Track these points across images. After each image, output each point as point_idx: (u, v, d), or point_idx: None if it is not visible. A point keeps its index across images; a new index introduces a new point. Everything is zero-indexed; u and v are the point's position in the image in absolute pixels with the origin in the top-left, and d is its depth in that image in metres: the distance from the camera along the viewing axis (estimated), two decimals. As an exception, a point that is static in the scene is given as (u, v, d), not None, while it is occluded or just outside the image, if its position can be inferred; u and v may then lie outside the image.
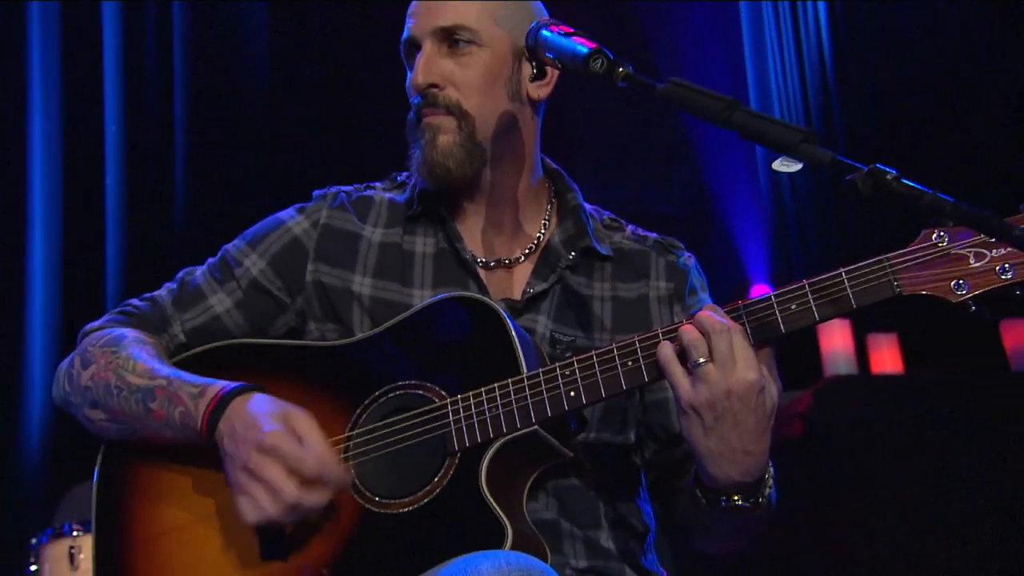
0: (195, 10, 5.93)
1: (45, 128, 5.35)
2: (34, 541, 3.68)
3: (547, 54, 1.81)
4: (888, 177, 1.33)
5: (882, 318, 3.64)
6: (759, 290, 4.66)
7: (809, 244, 5.33)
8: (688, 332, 1.60)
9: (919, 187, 1.33)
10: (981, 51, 5.19)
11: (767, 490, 1.70)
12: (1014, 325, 3.42)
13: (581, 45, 1.74)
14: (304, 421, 1.69)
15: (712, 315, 1.60)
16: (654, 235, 2.15)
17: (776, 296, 1.66)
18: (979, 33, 5.26)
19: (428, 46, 1.96)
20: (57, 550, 3.54)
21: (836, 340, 3.60)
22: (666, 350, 1.63)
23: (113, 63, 5.55)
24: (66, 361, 1.98)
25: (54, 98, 5.40)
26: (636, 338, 1.74)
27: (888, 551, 3.18)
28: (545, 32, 1.80)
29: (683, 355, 1.61)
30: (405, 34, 2.03)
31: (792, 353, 3.40)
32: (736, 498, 1.68)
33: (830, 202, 5.12)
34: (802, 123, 4.95)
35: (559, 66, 1.84)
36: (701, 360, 1.57)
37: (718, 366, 1.57)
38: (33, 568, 3.62)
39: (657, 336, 1.69)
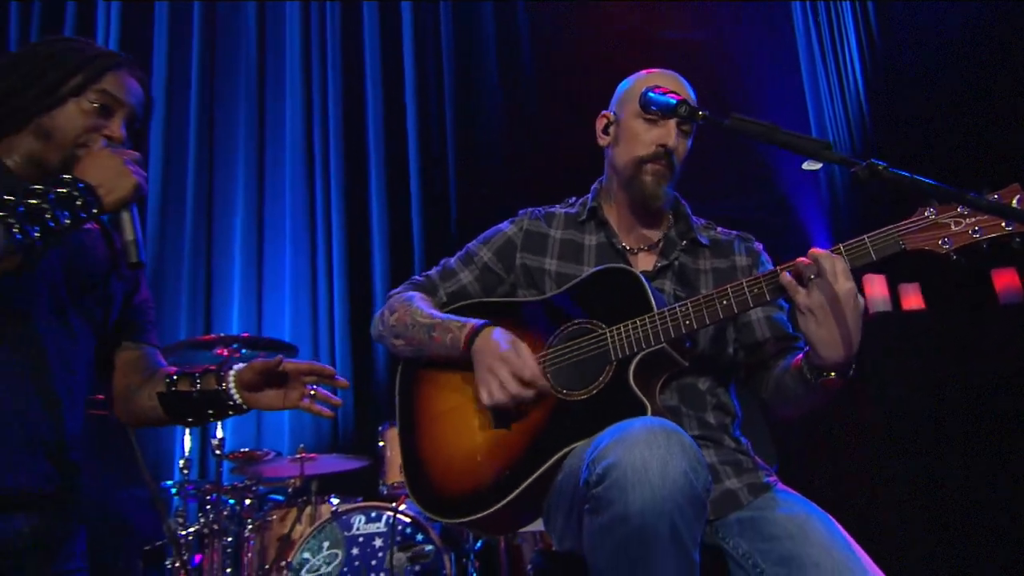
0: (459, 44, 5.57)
1: (377, 163, 5.40)
2: (380, 428, 3.82)
3: (652, 107, 1.74)
4: (880, 167, 1.24)
5: (909, 272, 3.45)
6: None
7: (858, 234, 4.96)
8: (803, 261, 1.58)
9: (903, 173, 1.25)
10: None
11: (850, 372, 1.63)
12: (1002, 272, 3.18)
13: (671, 98, 1.69)
14: (524, 347, 1.74)
15: (820, 249, 1.58)
16: (735, 232, 2.08)
17: (823, 254, 1.58)
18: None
19: (676, 125, 1.90)
20: (392, 433, 3.64)
21: (876, 289, 3.42)
22: (786, 277, 1.60)
23: (413, 122, 5.48)
24: (378, 312, 2.06)
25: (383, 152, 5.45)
26: (729, 288, 1.69)
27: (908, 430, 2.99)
28: (650, 93, 1.75)
29: (799, 277, 1.58)
30: (669, 104, 1.85)
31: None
32: (832, 375, 1.61)
33: (868, 203, 4.72)
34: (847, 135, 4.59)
35: (659, 114, 1.77)
36: (812, 276, 1.55)
37: (827, 279, 1.52)
38: (380, 444, 3.77)
39: (763, 281, 1.67)
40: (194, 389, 1.64)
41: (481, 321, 1.82)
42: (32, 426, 1.38)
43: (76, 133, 1.49)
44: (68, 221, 1.32)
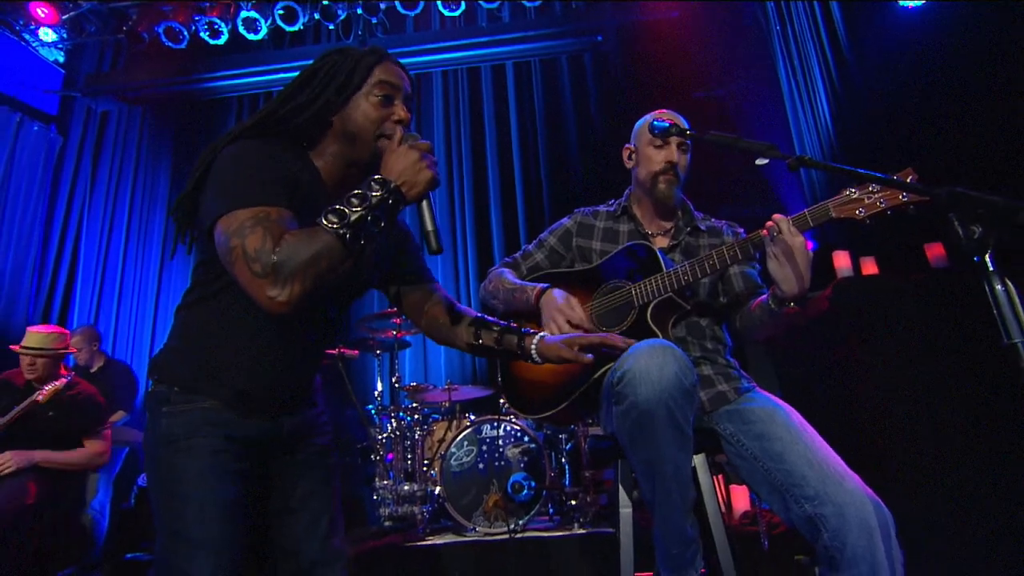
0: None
1: (495, 195, 5.35)
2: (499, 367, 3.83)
3: (655, 131, 1.70)
4: (805, 159, 1.19)
5: (867, 248, 3.24)
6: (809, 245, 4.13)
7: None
8: (769, 224, 1.55)
9: (822, 161, 1.20)
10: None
11: (805, 304, 1.58)
12: (931, 245, 2.96)
13: (664, 122, 1.64)
14: (574, 300, 1.71)
15: (780, 215, 1.54)
16: (724, 221, 2.00)
17: (781, 218, 1.54)
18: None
19: (676, 145, 1.86)
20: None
21: (843, 261, 3.22)
22: (759, 235, 1.59)
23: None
24: (484, 282, 2.05)
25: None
26: (713, 251, 1.66)
27: (871, 370, 2.79)
28: (654, 122, 1.71)
29: (769, 233, 1.55)
30: (665, 127, 1.77)
31: (822, 270, 3.04)
32: (792, 304, 1.57)
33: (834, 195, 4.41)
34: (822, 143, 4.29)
35: (658, 134, 1.71)
36: (776, 233, 1.52)
37: (784, 235, 1.51)
38: (500, 378, 3.69)
39: (736, 245, 1.64)
40: (497, 346, 1.45)
41: (545, 285, 1.80)
42: (298, 377, 1.32)
43: (373, 125, 1.26)
44: (383, 223, 1.12)
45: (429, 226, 1.16)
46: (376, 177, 1.14)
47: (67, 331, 3.36)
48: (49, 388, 3.03)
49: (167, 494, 1.17)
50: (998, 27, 3.00)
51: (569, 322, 1.62)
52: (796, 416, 1.59)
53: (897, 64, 3.57)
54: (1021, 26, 2.90)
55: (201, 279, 1.28)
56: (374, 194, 1.11)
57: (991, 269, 0.92)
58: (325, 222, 1.08)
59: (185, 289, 1.32)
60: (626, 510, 1.65)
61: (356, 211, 1.09)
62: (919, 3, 3.53)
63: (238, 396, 1.24)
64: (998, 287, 0.92)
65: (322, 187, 1.28)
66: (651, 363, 1.36)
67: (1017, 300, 0.92)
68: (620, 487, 1.68)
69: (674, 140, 1.85)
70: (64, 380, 3.12)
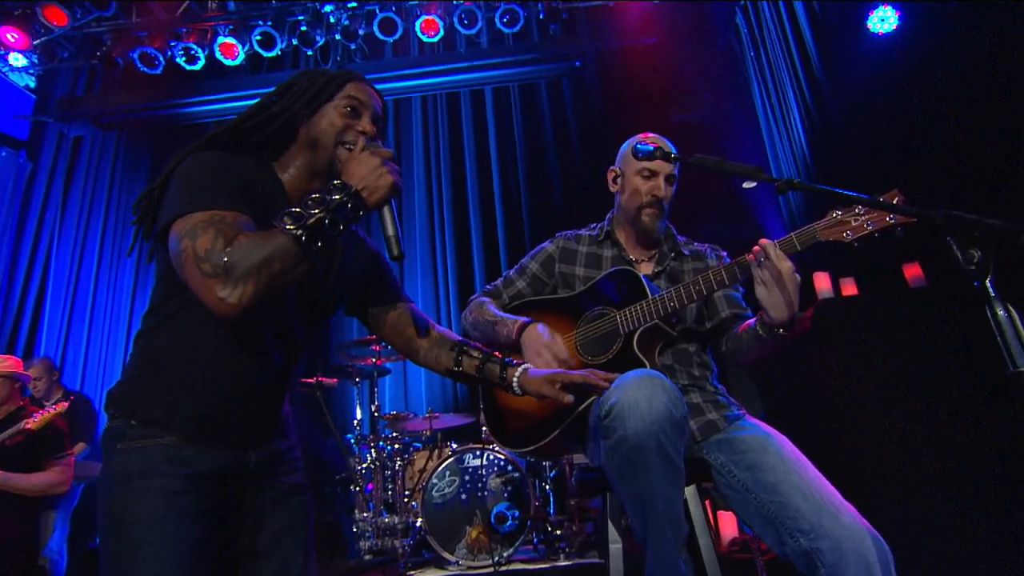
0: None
1: (475, 216, 5.39)
2: (480, 394, 3.74)
3: (638, 154, 1.65)
4: (794, 182, 1.15)
5: (846, 269, 3.24)
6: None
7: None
8: (756, 249, 1.51)
9: (810, 184, 1.16)
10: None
11: (793, 329, 1.53)
12: (910, 265, 2.96)
13: (649, 145, 1.60)
14: (558, 336, 1.64)
15: (767, 240, 1.50)
16: (707, 244, 1.96)
17: (768, 243, 1.50)
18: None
19: (664, 178, 1.82)
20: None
21: (823, 283, 3.21)
22: (745, 260, 1.54)
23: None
24: (465, 311, 1.98)
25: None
26: (699, 276, 1.62)
27: (848, 384, 2.74)
28: (638, 144, 1.65)
29: (756, 259, 1.50)
30: (650, 164, 1.79)
31: (802, 291, 3.00)
32: (781, 330, 1.53)
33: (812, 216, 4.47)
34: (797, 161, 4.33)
35: (643, 157, 1.66)
36: (763, 259, 1.48)
37: (772, 260, 1.46)
38: (481, 406, 3.63)
39: (722, 270, 1.60)
40: (477, 375, 1.40)
41: (526, 319, 1.72)
42: (265, 403, 1.25)
43: (335, 132, 1.24)
44: (342, 226, 1.08)
45: (390, 231, 1.14)
46: (336, 182, 1.11)
47: (11, 357, 3.23)
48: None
49: (118, 538, 1.08)
50: (970, 51, 3.05)
51: (557, 359, 1.55)
52: (788, 445, 1.53)
53: (870, 88, 3.62)
54: (993, 50, 2.95)
55: (159, 299, 1.21)
56: (334, 197, 1.08)
57: (992, 294, 0.88)
58: (281, 224, 1.05)
59: (143, 313, 1.25)
60: (616, 546, 1.58)
61: (314, 213, 1.05)
62: (890, 29, 3.60)
63: (200, 425, 1.15)
64: (1000, 312, 0.88)
65: (285, 200, 1.24)
66: (640, 395, 1.30)
67: (1020, 326, 0.88)
68: (609, 522, 1.60)
69: (662, 173, 1.81)
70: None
